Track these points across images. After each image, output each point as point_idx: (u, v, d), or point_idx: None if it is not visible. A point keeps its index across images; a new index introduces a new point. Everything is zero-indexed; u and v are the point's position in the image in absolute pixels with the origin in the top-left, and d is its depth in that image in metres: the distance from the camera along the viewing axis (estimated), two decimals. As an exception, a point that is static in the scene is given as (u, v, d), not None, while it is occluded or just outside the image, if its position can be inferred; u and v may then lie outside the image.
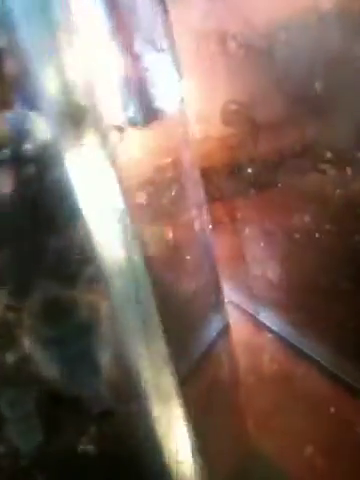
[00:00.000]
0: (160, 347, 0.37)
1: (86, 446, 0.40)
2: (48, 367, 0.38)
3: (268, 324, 1.18)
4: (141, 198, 0.72)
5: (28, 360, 0.38)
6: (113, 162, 0.33)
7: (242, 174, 1.12)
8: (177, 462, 0.40)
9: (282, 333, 1.13)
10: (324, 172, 0.91)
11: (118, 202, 0.34)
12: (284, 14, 0.90)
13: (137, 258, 0.36)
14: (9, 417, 0.39)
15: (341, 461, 0.86)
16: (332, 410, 0.95)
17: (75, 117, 0.32)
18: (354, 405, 0.95)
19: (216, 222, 1.16)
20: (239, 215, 1.20)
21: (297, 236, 1.01)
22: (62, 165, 0.34)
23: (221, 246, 1.15)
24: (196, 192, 0.89)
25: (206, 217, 0.93)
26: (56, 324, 0.37)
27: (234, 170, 1.16)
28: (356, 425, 0.90)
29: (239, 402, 0.93)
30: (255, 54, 0.99)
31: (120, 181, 0.33)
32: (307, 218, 0.98)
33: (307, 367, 1.05)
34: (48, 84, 0.32)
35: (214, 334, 0.83)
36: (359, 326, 0.92)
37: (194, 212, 0.83)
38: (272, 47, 0.94)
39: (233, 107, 1.12)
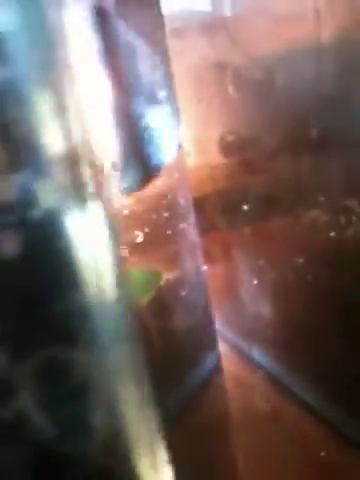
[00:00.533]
0: (152, 416, 0.38)
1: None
2: (42, 426, 0.38)
3: (259, 361, 1.18)
4: (137, 239, 0.73)
5: (23, 418, 0.38)
6: (115, 227, 0.34)
7: (236, 210, 1.13)
8: None
9: (272, 371, 1.13)
10: (316, 215, 0.92)
11: (118, 267, 0.35)
12: (283, 48, 0.92)
13: (132, 322, 0.36)
14: (2, 476, 0.39)
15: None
16: (322, 454, 0.95)
17: (78, 182, 0.33)
18: (341, 449, 0.95)
19: (208, 257, 1.16)
20: (232, 252, 1.21)
21: (290, 276, 1.02)
22: (65, 231, 0.35)
23: (213, 282, 1.15)
24: (191, 231, 0.90)
25: (201, 256, 0.94)
26: (52, 384, 0.38)
27: (228, 206, 1.17)
28: (344, 471, 0.90)
29: (230, 441, 0.93)
30: (253, 88, 1.01)
31: (120, 247, 0.34)
32: (300, 259, 0.99)
33: (295, 406, 1.06)
34: (52, 149, 0.33)
35: (207, 372, 0.83)
36: (347, 369, 0.92)
37: (189, 252, 0.84)
38: (269, 83, 0.95)
39: (228, 139, 1.14)
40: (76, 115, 0.32)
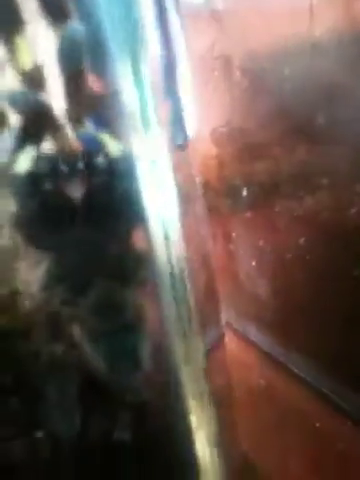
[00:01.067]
0: (196, 344, 0.42)
1: (121, 433, 0.44)
2: (94, 358, 0.42)
3: (257, 342, 1.19)
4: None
5: (76, 350, 0.42)
6: (174, 176, 0.38)
7: (238, 195, 1.15)
8: (203, 452, 0.44)
9: (270, 350, 1.14)
10: (319, 198, 0.95)
11: (175, 212, 0.39)
12: (284, 41, 0.95)
13: (182, 263, 0.40)
14: (53, 403, 0.42)
15: (325, 474, 0.88)
16: (317, 425, 0.96)
17: (145, 132, 0.37)
18: (337, 422, 0.97)
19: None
20: (233, 234, 1.22)
21: (290, 257, 1.04)
22: (129, 177, 0.38)
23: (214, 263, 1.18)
24: (200, 209, 0.94)
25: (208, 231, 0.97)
26: (107, 319, 0.41)
27: (230, 191, 1.19)
28: (338, 440, 0.92)
29: (230, 413, 0.96)
30: (256, 79, 1.04)
31: (178, 193, 0.38)
32: (300, 241, 1.01)
33: (293, 383, 1.06)
34: (123, 103, 0.37)
35: (212, 342, 0.86)
36: (344, 347, 0.95)
37: (202, 227, 0.88)
38: (272, 73, 0.98)
39: (226, 129, 1.16)
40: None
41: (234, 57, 1.06)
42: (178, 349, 0.42)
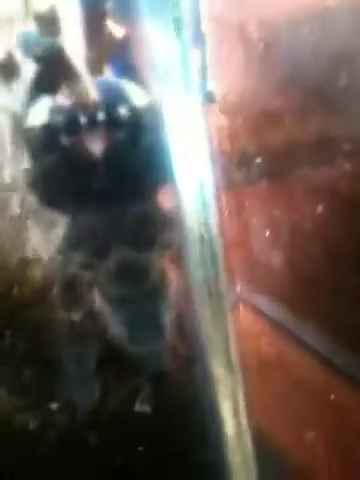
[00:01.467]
0: (223, 311, 0.39)
1: (142, 405, 0.42)
2: (114, 325, 0.39)
3: (270, 313, 1.18)
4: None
5: (96, 317, 0.39)
6: (205, 130, 0.35)
7: (251, 164, 1.13)
8: (229, 423, 0.42)
9: (284, 322, 1.14)
10: (337, 165, 0.92)
11: (206, 171, 0.36)
12: (299, 6, 0.91)
13: (211, 224, 0.38)
14: (71, 373, 0.40)
15: (342, 446, 0.87)
16: (332, 397, 0.95)
17: (173, 81, 0.33)
18: (352, 393, 0.96)
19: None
20: (247, 204, 1.20)
21: (304, 227, 1.02)
22: (156, 130, 0.35)
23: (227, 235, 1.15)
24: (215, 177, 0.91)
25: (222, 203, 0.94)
26: (128, 285, 0.39)
27: (243, 159, 1.17)
28: (354, 412, 0.91)
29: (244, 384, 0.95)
30: (270, 45, 1.00)
31: (210, 150, 0.35)
32: (317, 210, 0.99)
33: (306, 355, 1.06)
34: (148, 49, 0.34)
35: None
36: (357, 317, 0.93)
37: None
38: (287, 38, 0.95)
39: (240, 95, 1.13)
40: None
41: (248, 23, 1.02)
42: (204, 316, 0.40)
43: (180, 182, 0.37)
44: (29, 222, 0.40)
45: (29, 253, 0.40)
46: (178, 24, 0.33)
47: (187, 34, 0.35)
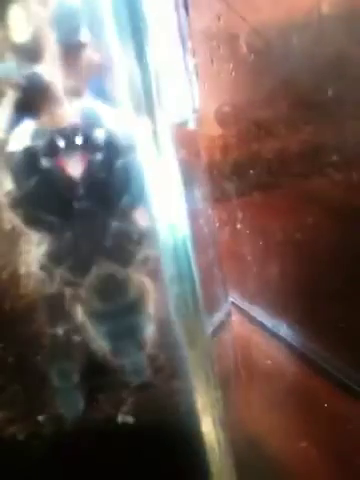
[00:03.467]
0: (201, 323, 0.41)
1: (125, 417, 0.43)
2: (96, 339, 0.41)
3: (264, 322, 1.20)
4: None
5: (79, 332, 0.41)
6: (175, 153, 0.36)
7: (244, 175, 1.14)
8: (209, 434, 0.43)
9: (277, 331, 1.15)
10: (329, 176, 0.94)
11: (176, 188, 0.38)
12: (287, 17, 0.93)
13: (186, 240, 0.39)
14: (56, 385, 0.42)
15: (335, 456, 0.88)
16: (325, 405, 0.96)
17: (146, 107, 0.35)
18: (346, 402, 0.97)
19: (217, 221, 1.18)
20: (240, 215, 1.22)
21: (297, 237, 1.04)
22: (130, 152, 0.37)
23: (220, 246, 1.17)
24: (205, 189, 0.93)
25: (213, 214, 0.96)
26: (109, 299, 0.40)
27: (235, 171, 1.18)
28: (348, 421, 0.92)
29: (236, 393, 0.96)
30: (262, 55, 1.02)
31: (180, 170, 0.37)
32: (308, 221, 1.00)
33: (300, 364, 1.07)
34: (122, 75, 0.35)
35: (220, 320, 0.86)
36: (352, 326, 0.95)
37: (206, 206, 0.87)
38: (278, 49, 0.97)
39: (232, 107, 1.15)
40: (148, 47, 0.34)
41: (240, 33, 1.04)
42: (182, 328, 0.42)
43: (154, 200, 0.39)
44: (20, 238, 0.42)
45: (18, 267, 0.42)
46: (143, 53, 0.35)
47: (158, 60, 0.37)
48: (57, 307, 0.40)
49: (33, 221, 0.40)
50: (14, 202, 0.39)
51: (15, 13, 0.37)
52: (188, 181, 0.76)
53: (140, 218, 0.39)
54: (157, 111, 0.38)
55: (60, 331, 0.40)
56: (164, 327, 0.42)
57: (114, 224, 0.39)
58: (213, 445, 0.44)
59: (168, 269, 0.40)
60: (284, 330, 1.15)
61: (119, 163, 0.38)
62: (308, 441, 0.94)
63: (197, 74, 0.94)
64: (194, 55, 0.97)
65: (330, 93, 0.90)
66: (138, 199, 0.39)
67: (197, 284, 0.41)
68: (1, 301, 0.43)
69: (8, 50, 0.37)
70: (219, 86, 1.19)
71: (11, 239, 0.42)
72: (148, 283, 0.41)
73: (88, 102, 0.37)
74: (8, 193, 0.39)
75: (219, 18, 1.10)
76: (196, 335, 0.42)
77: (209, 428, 0.44)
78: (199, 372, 0.43)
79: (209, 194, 1.11)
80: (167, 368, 0.42)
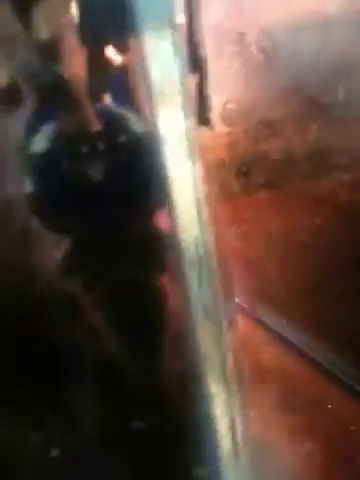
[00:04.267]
0: (219, 329, 0.40)
1: (141, 423, 0.43)
2: (113, 344, 0.40)
3: (268, 323, 1.19)
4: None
5: (95, 337, 0.40)
6: (197, 154, 0.36)
7: (250, 175, 1.14)
8: (225, 438, 0.43)
9: (282, 332, 1.15)
10: (336, 176, 0.93)
11: (199, 192, 0.37)
12: (294, 19, 0.92)
13: (205, 246, 0.39)
14: (72, 388, 0.41)
15: (338, 456, 0.88)
16: (329, 406, 0.96)
17: (170, 108, 0.34)
18: (350, 403, 0.97)
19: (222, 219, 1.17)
20: (246, 215, 1.21)
21: (303, 238, 1.03)
22: (153, 156, 0.36)
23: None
24: (212, 190, 0.92)
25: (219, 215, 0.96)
26: (128, 303, 0.40)
27: (241, 170, 1.18)
28: (351, 422, 0.92)
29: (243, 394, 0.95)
30: (270, 55, 1.02)
31: (201, 172, 0.36)
32: (315, 222, 1.00)
33: (304, 364, 1.07)
34: (147, 76, 0.35)
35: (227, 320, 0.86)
36: (356, 328, 0.94)
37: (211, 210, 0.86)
38: (286, 49, 0.96)
39: (239, 106, 1.14)
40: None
41: (248, 33, 1.03)
42: (200, 334, 0.41)
43: (176, 204, 0.38)
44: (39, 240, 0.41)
45: (36, 270, 0.41)
46: (165, 55, 0.34)
47: (183, 60, 0.36)
48: (74, 311, 0.40)
49: (53, 224, 0.40)
50: (34, 204, 0.39)
51: (38, 12, 0.37)
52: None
53: (162, 222, 0.38)
54: (181, 113, 0.37)
55: (76, 335, 0.40)
56: (182, 333, 0.42)
57: (135, 228, 0.38)
58: (230, 451, 0.44)
59: (189, 274, 0.40)
60: (289, 331, 1.15)
61: (141, 167, 0.37)
62: (312, 441, 0.94)
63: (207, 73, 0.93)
64: (204, 54, 0.96)
65: (338, 94, 0.89)
66: (159, 203, 0.38)
67: (217, 290, 0.40)
68: (18, 301, 0.43)
69: (31, 49, 0.36)
70: (227, 85, 1.18)
71: (29, 240, 0.41)
72: (168, 288, 0.41)
73: (111, 104, 0.37)
74: (29, 195, 0.39)
75: (228, 18, 1.10)
76: (214, 339, 0.41)
77: (226, 434, 0.43)
78: (216, 376, 0.42)
79: (216, 193, 1.10)
80: (183, 372, 0.42)
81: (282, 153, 1.09)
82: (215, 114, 1.22)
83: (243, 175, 1.21)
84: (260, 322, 1.23)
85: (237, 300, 1.26)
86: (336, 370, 1.02)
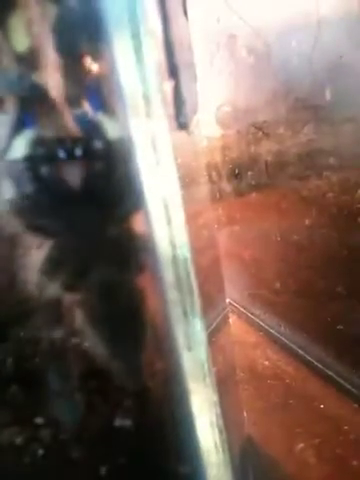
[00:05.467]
0: (198, 328, 0.41)
1: (123, 420, 0.44)
2: (95, 344, 0.41)
3: (261, 323, 1.20)
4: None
5: (76, 336, 0.41)
6: (176, 157, 0.37)
7: (242, 176, 1.15)
8: (206, 436, 0.44)
9: (275, 332, 1.15)
10: (326, 178, 0.94)
11: (175, 195, 0.38)
12: (287, 20, 0.93)
13: (184, 247, 0.40)
14: (55, 389, 0.42)
15: (331, 457, 0.89)
16: (321, 407, 0.97)
17: (146, 113, 0.36)
18: (342, 403, 0.98)
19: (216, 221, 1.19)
20: (238, 216, 1.22)
21: (294, 238, 1.04)
22: (128, 160, 0.38)
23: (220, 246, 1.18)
24: (204, 191, 0.93)
25: (212, 215, 0.97)
26: (107, 304, 0.41)
27: (234, 172, 1.19)
28: (344, 423, 0.93)
29: (235, 394, 0.96)
30: (259, 59, 1.03)
31: (178, 176, 0.37)
32: (306, 222, 1.01)
33: (297, 365, 1.07)
34: (123, 83, 0.36)
35: (216, 322, 0.87)
36: (349, 328, 0.95)
37: (203, 210, 0.87)
38: (277, 51, 0.97)
39: (231, 109, 1.15)
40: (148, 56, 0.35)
41: (239, 35, 1.05)
42: (179, 334, 0.42)
43: (151, 208, 0.39)
44: (20, 243, 0.42)
45: (17, 272, 0.43)
46: (141, 61, 0.35)
47: (156, 66, 0.37)
48: (55, 311, 0.41)
49: (33, 227, 0.41)
50: (15, 209, 0.40)
51: (16, 23, 0.38)
52: (189, 183, 0.77)
53: (138, 225, 0.40)
54: (155, 118, 0.38)
55: (58, 335, 0.41)
56: (161, 332, 0.43)
57: (113, 231, 0.39)
58: (210, 447, 0.45)
59: (166, 275, 0.41)
60: (281, 331, 1.16)
61: (117, 171, 0.38)
62: (305, 442, 0.95)
63: (196, 76, 0.95)
64: (194, 57, 0.98)
65: (327, 97, 0.90)
66: (135, 206, 0.39)
67: (195, 289, 0.41)
68: (1, 304, 0.44)
69: (9, 60, 0.37)
70: (219, 88, 1.19)
71: (11, 244, 0.43)
72: (146, 288, 0.42)
73: (88, 111, 0.38)
74: (9, 200, 0.40)
75: (219, 20, 1.11)
76: (192, 339, 0.42)
77: (206, 430, 0.44)
78: (196, 375, 0.43)
79: (208, 195, 1.12)
80: (164, 372, 0.43)
81: (273, 155, 1.10)
82: (208, 117, 1.23)
83: (235, 177, 1.22)
84: (252, 322, 1.24)
85: (229, 300, 1.27)
86: (329, 370, 1.02)
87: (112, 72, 0.36)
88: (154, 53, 0.37)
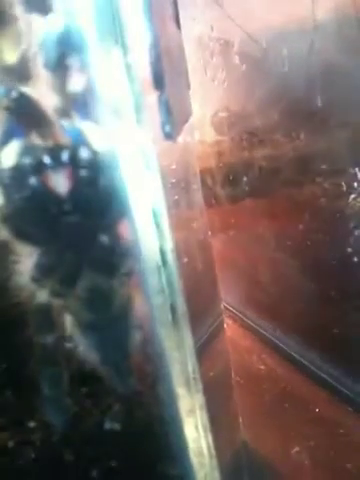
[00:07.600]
0: (185, 333, 0.42)
1: (112, 423, 0.45)
2: (84, 349, 0.42)
3: (257, 327, 1.21)
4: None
5: (67, 342, 0.42)
6: (162, 166, 0.38)
7: (236, 182, 1.16)
8: (196, 439, 0.44)
9: (271, 336, 1.16)
10: (319, 183, 0.95)
11: (162, 202, 0.39)
12: (282, 24, 0.94)
13: (169, 254, 0.41)
14: (46, 393, 0.43)
15: (326, 461, 0.89)
16: (317, 410, 0.97)
17: (131, 123, 0.37)
18: (337, 407, 0.98)
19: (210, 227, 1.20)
20: (233, 221, 1.23)
21: (289, 243, 1.05)
22: (114, 169, 0.39)
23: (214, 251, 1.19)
24: (198, 197, 0.94)
25: (206, 221, 0.98)
26: (95, 310, 0.42)
27: (228, 178, 1.20)
28: (339, 427, 0.93)
29: (230, 398, 0.97)
30: (254, 64, 1.04)
31: (163, 184, 0.38)
32: (300, 227, 1.01)
33: (293, 369, 1.08)
34: (109, 94, 0.37)
35: (213, 326, 0.88)
36: (343, 332, 0.96)
37: (197, 216, 0.88)
38: (271, 58, 0.98)
39: (225, 115, 1.16)
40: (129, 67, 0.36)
41: (234, 41, 1.06)
42: (166, 339, 0.43)
43: (136, 215, 0.40)
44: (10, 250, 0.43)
45: (11, 279, 0.44)
46: (127, 72, 0.36)
47: (142, 76, 0.38)
48: (46, 317, 0.42)
49: (22, 235, 0.42)
50: (4, 217, 0.41)
51: (4, 36, 0.39)
52: (178, 190, 0.78)
53: (124, 232, 0.41)
54: (142, 127, 0.39)
55: (49, 340, 0.42)
56: (149, 337, 0.44)
57: (100, 238, 0.41)
58: (198, 450, 0.46)
59: (151, 281, 0.42)
60: (277, 335, 1.16)
61: (104, 180, 0.40)
62: (300, 446, 0.95)
63: (189, 84, 0.96)
64: (187, 64, 0.98)
65: (321, 103, 0.91)
66: (122, 214, 0.41)
67: (180, 296, 0.42)
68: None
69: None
70: (213, 94, 1.20)
71: (1, 251, 0.44)
72: (133, 295, 0.43)
73: (75, 122, 0.39)
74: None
75: (212, 27, 1.12)
76: (179, 344, 0.43)
77: (193, 433, 0.45)
78: (182, 379, 0.44)
79: (202, 200, 1.13)
80: (151, 376, 0.44)
81: (267, 161, 1.11)
82: (203, 122, 1.24)
83: (230, 182, 1.23)
84: (248, 327, 1.25)
85: (225, 305, 1.28)
86: (324, 374, 1.03)
87: (98, 82, 0.37)
88: (141, 62, 0.38)
